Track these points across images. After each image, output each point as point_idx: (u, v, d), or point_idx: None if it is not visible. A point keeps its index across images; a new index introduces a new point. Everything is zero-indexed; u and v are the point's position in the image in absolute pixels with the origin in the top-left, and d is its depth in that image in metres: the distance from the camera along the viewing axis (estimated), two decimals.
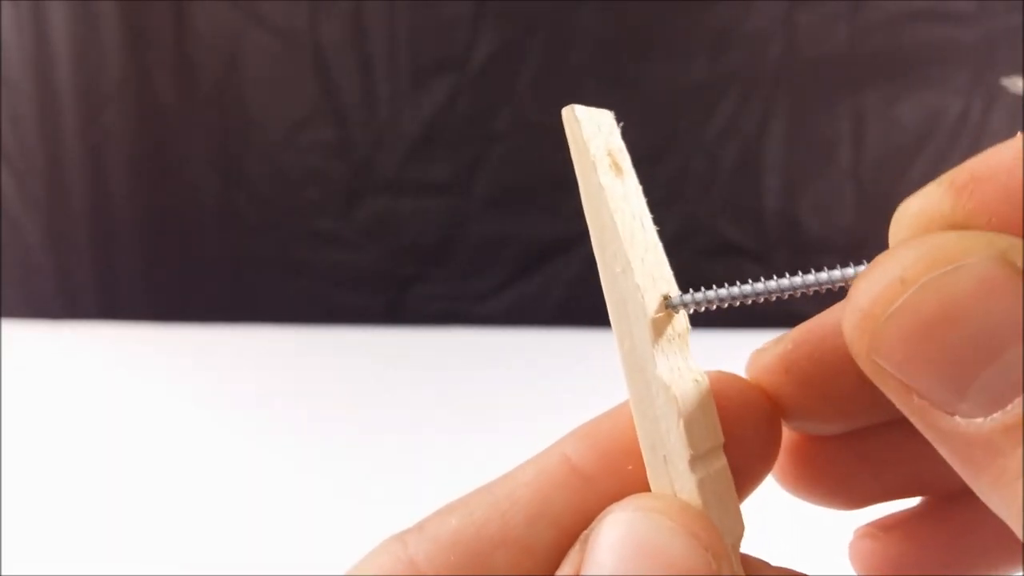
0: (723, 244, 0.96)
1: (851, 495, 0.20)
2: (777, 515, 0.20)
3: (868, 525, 0.21)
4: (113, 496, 0.61)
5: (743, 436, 0.17)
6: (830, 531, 0.21)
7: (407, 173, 1.00)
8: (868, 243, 0.94)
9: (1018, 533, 0.13)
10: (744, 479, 0.17)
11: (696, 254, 0.96)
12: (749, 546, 0.17)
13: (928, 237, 0.13)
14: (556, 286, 0.97)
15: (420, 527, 0.17)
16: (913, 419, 0.13)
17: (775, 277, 0.16)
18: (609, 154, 0.17)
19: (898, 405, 0.13)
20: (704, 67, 0.94)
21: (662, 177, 0.95)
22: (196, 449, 0.69)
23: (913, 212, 0.14)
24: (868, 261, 0.15)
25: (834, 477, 0.20)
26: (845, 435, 0.19)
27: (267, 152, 1.01)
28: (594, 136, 0.17)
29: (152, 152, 1.03)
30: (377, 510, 0.57)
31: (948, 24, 0.90)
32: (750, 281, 0.16)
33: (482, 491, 0.17)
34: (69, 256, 1.05)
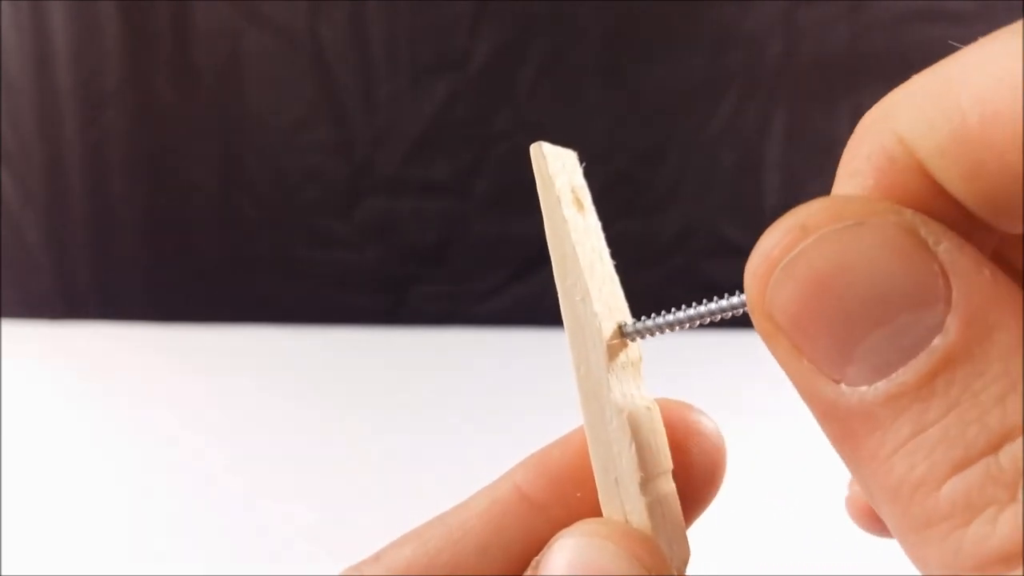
0: (723, 244, 0.96)
1: None
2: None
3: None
4: (112, 495, 0.61)
5: (690, 463, 0.18)
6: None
7: (407, 173, 1.00)
8: None
9: (886, 518, 0.12)
10: (690, 504, 0.18)
11: (696, 254, 0.96)
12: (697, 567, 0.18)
13: (836, 196, 0.13)
14: (555, 286, 0.97)
15: (376, 557, 0.17)
16: (799, 389, 0.13)
17: (727, 296, 0.16)
18: (572, 190, 0.18)
19: (786, 372, 0.13)
20: (704, 67, 0.94)
21: (662, 177, 0.95)
22: (196, 448, 0.69)
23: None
24: None
25: None
26: None
27: (267, 152, 1.01)
28: (559, 172, 0.17)
29: (152, 152, 1.03)
30: (377, 508, 0.57)
31: (948, 24, 0.90)
32: (705, 302, 0.16)
33: (436, 521, 0.17)
34: (69, 256, 1.05)
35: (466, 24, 0.95)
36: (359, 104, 0.98)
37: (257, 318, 1.02)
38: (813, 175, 0.95)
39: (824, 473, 0.63)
